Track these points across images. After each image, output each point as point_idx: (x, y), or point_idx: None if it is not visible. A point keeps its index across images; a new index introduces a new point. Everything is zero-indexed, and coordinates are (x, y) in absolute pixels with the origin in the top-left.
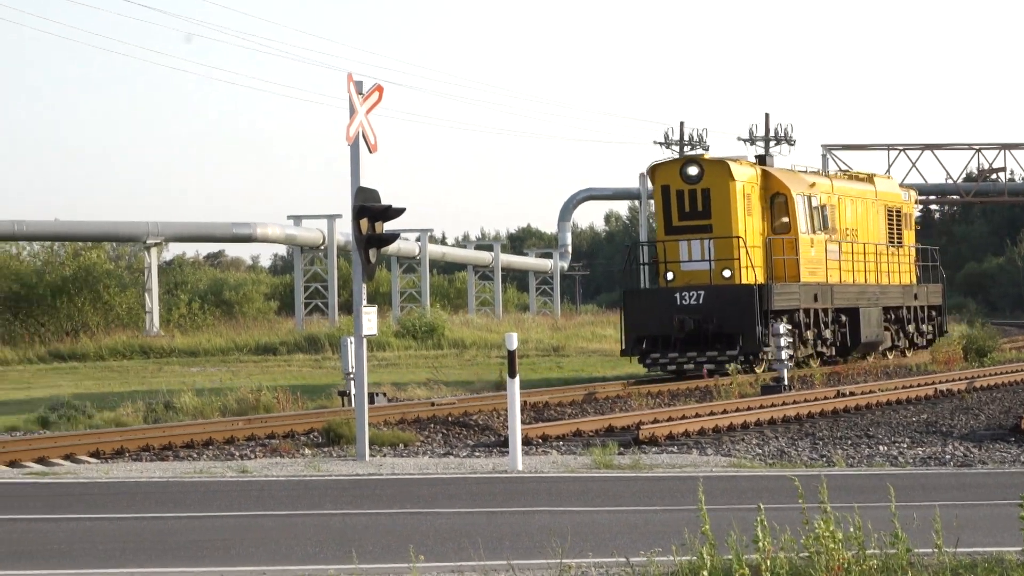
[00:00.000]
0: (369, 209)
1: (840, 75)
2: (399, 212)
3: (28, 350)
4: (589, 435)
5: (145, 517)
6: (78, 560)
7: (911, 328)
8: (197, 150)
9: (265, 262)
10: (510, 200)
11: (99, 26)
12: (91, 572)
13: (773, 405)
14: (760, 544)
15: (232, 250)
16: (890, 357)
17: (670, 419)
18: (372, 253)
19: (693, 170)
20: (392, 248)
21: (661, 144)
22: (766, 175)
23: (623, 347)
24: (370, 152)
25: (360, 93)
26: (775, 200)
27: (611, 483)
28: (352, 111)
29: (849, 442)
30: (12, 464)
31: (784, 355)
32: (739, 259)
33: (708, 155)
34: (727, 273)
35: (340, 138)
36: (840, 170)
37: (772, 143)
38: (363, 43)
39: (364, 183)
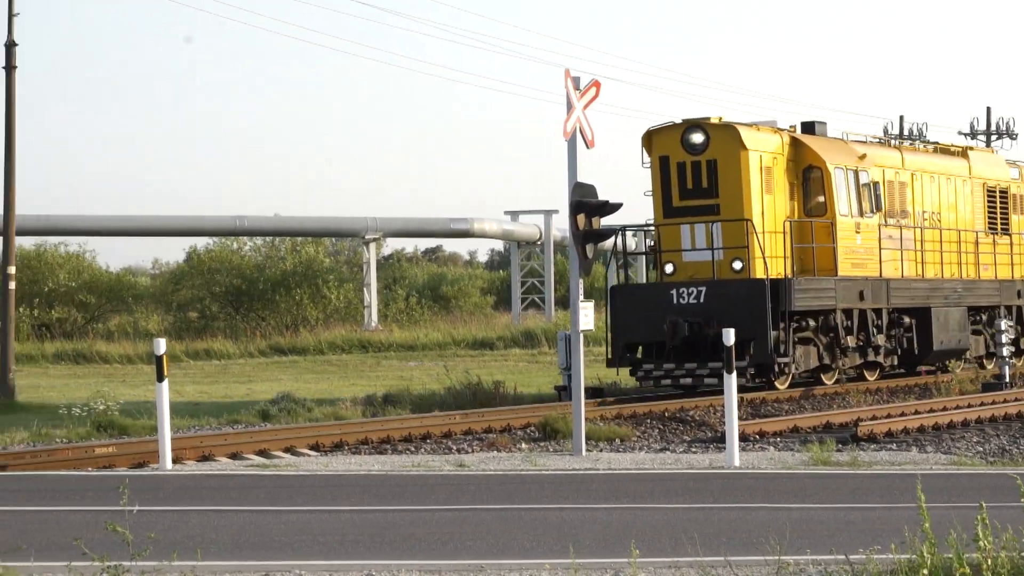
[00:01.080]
0: (586, 205)
1: None
2: (616, 207)
3: (249, 344)
4: (806, 431)
5: (363, 510)
6: (299, 552)
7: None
8: (414, 146)
9: (482, 257)
10: None
11: (320, 24)
12: (312, 564)
13: (994, 403)
14: (981, 543)
15: (449, 245)
16: (989, 367)
17: (889, 416)
18: (589, 248)
19: (697, 137)
20: (608, 243)
21: None
22: (796, 144)
23: (608, 356)
24: (587, 147)
25: (577, 89)
26: (808, 175)
27: (829, 480)
28: (569, 107)
29: None
30: (234, 456)
31: (1006, 352)
32: (752, 247)
33: (717, 119)
34: (738, 265)
35: (557, 134)
36: (926, 141)
37: (993, 137)
38: (580, 38)
39: (581, 179)
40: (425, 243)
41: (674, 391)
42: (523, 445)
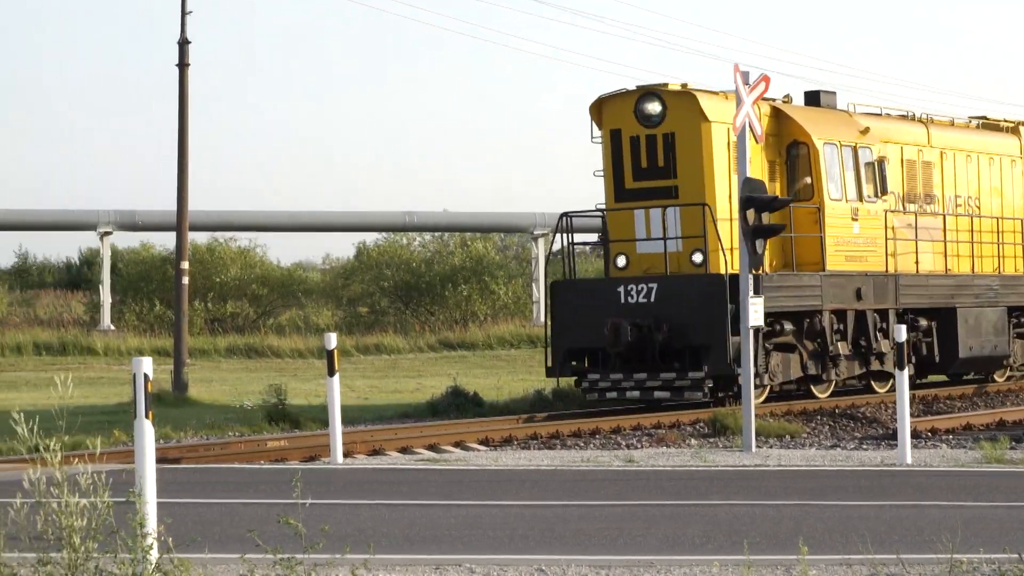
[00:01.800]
0: (755, 200)
1: None
2: (785, 203)
3: (419, 339)
4: (979, 429)
5: (533, 505)
6: (469, 546)
7: None
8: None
9: None
10: None
11: (491, 22)
12: (482, 558)
13: None
14: None
15: None
16: None
17: None
18: (759, 244)
19: (652, 107)
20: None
21: None
22: (779, 116)
23: (548, 363)
24: (757, 142)
25: (746, 84)
26: (793, 152)
27: (1002, 478)
28: (738, 102)
29: None
30: (404, 451)
31: None
32: (711, 237)
33: (678, 85)
34: (698, 258)
35: None
36: (973, 117)
37: None
38: (747, 32)
39: (749, 174)
40: (594, 237)
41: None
42: (692, 441)
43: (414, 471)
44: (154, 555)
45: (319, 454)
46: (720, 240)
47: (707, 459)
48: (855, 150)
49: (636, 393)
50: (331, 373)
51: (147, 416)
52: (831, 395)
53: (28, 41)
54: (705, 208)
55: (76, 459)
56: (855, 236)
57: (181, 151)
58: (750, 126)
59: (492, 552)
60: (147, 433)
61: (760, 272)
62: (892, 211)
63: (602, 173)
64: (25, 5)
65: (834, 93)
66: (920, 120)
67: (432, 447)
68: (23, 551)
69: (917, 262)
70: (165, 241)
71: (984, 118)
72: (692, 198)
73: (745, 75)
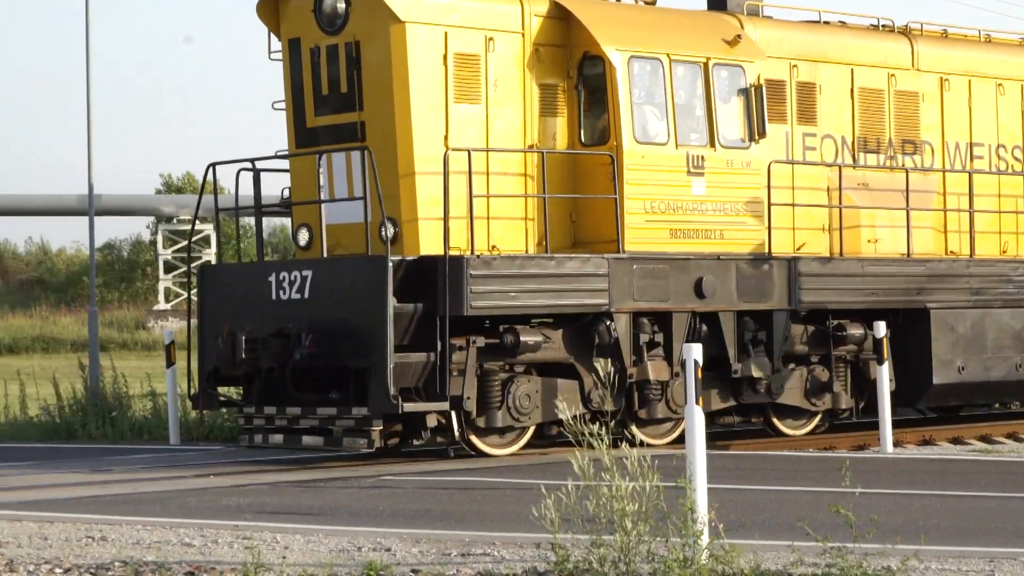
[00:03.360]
0: None
1: None
2: None
3: None
4: None
5: None
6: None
7: None
8: None
9: None
10: None
11: None
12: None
13: None
14: None
15: None
16: None
17: None
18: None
19: (335, 3)
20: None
21: None
22: (566, 19)
23: (190, 389)
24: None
25: None
26: (587, 72)
27: None
28: None
29: None
30: (955, 441)
31: None
32: (409, 199)
33: None
34: (390, 231)
35: None
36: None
37: None
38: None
39: None
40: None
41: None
42: None
43: (964, 462)
44: (704, 540)
45: (868, 443)
46: (418, 204)
47: None
48: (706, 68)
49: (279, 437)
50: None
51: (696, 402)
52: (673, 441)
53: None
54: (402, 157)
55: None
56: (696, 200)
57: None
58: None
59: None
60: (697, 419)
61: (475, 253)
62: (833, 165)
63: (283, 105)
64: None
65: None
66: (901, 32)
67: (984, 438)
68: (576, 533)
69: (875, 239)
70: None
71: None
72: (381, 141)
73: None
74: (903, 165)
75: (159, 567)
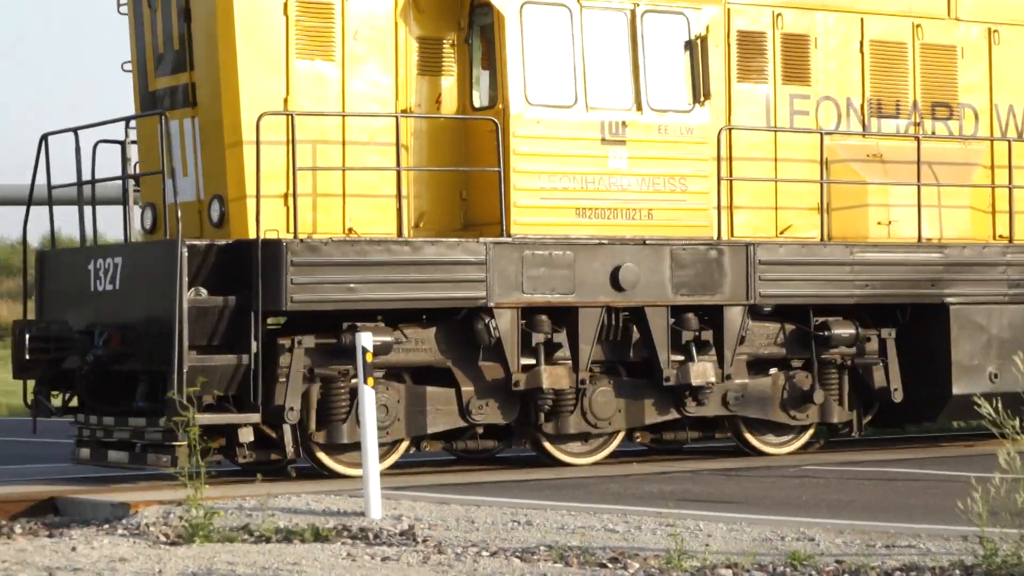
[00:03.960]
0: None
1: None
2: None
3: None
4: None
5: None
6: None
7: None
8: None
9: None
10: None
11: None
12: None
13: None
14: None
15: None
16: None
17: None
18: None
19: None
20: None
21: None
22: None
23: (25, 396)
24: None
25: None
26: (479, 24)
27: None
28: None
29: None
30: None
31: None
32: (237, 173)
33: None
34: (215, 211)
35: None
36: None
37: None
38: None
39: None
40: None
41: None
42: None
43: None
44: None
45: None
46: (245, 179)
47: None
48: (632, 17)
49: (86, 452)
50: None
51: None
52: (602, 460)
53: None
54: (228, 123)
55: None
56: (613, 173)
57: None
58: None
59: None
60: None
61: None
62: (835, 133)
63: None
64: None
65: None
66: None
67: None
68: (1003, 527)
69: (869, 220)
70: None
71: None
72: (209, 105)
73: None
74: (933, 132)
75: (583, 551)
